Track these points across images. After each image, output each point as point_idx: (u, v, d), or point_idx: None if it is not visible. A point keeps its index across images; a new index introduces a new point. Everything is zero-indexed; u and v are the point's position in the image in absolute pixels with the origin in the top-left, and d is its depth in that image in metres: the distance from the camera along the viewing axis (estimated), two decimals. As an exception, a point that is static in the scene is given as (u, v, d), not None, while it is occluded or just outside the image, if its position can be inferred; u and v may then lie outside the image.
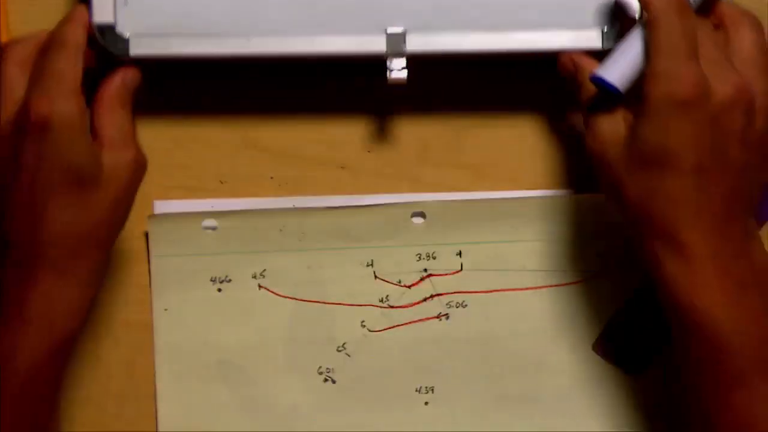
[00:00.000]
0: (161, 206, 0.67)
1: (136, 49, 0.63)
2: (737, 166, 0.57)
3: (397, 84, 0.63)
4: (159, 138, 0.67)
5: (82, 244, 0.59)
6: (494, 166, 0.68)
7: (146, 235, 0.67)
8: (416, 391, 0.67)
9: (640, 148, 0.57)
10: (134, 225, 0.65)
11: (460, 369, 0.67)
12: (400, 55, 0.63)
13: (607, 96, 0.59)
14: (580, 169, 0.68)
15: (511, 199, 0.67)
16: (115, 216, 0.60)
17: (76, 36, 0.60)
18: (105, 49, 0.62)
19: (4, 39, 0.66)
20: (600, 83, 0.59)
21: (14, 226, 0.58)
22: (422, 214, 0.67)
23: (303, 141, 0.68)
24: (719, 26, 0.60)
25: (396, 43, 0.63)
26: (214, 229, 0.67)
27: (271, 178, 0.68)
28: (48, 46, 0.59)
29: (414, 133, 0.68)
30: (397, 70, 0.63)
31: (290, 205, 0.67)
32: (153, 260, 0.67)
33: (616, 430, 0.67)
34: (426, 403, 0.68)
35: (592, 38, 0.63)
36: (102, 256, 0.60)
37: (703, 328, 0.57)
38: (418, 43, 0.63)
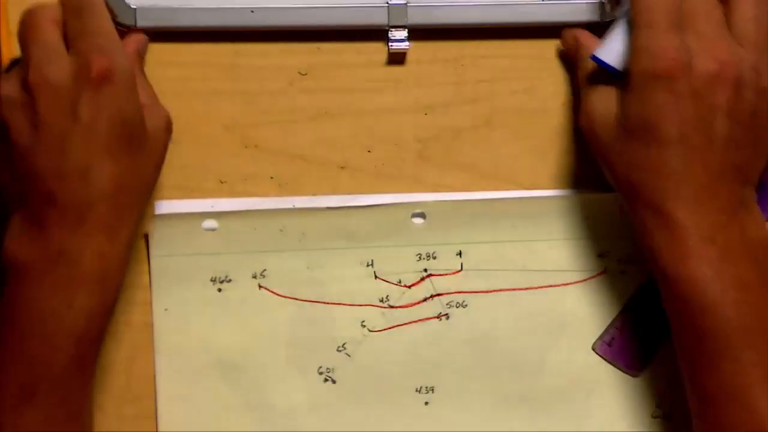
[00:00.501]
0: (162, 206, 0.67)
1: (144, 21, 0.64)
2: (723, 139, 0.58)
3: (398, 55, 0.66)
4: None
5: (129, 204, 0.60)
6: (494, 166, 0.68)
7: (146, 235, 0.67)
8: (416, 391, 0.67)
9: (626, 122, 0.59)
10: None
11: (460, 369, 0.67)
12: (401, 27, 0.65)
13: (607, 74, 0.60)
14: (581, 169, 0.68)
15: (512, 199, 0.67)
16: (155, 176, 0.62)
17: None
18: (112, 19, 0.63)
19: (4, 39, 0.67)
20: (599, 63, 0.60)
21: (66, 185, 0.58)
22: (422, 215, 0.67)
23: (303, 141, 0.68)
24: None
25: (398, 14, 0.65)
26: (214, 229, 0.67)
27: (271, 178, 0.68)
28: (78, 8, 0.60)
29: (414, 133, 0.68)
30: (398, 40, 0.65)
31: (290, 205, 0.67)
32: (153, 260, 0.67)
33: (617, 430, 0.67)
34: (426, 403, 0.67)
35: (590, 11, 0.65)
36: (141, 217, 0.61)
37: (689, 298, 0.58)
38: (419, 15, 0.65)
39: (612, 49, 0.61)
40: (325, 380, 0.67)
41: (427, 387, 0.67)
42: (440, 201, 0.67)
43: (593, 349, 0.67)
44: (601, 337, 0.67)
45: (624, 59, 0.60)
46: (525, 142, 0.68)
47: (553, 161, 0.68)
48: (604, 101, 0.61)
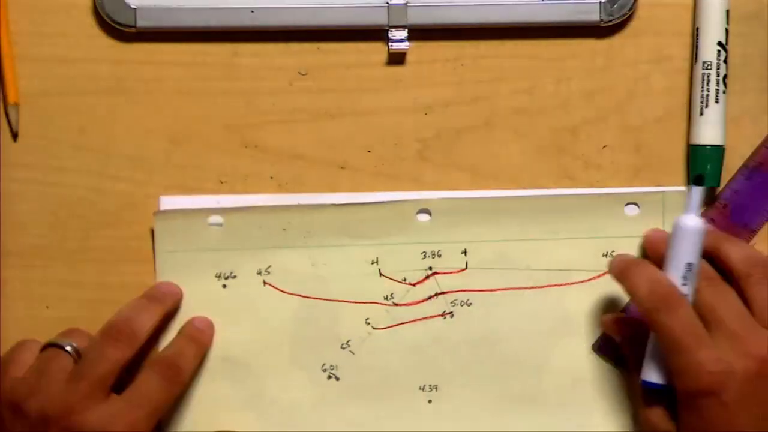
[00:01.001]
0: (167, 202, 0.67)
1: (144, 21, 0.64)
2: None
3: (398, 55, 0.66)
4: (157, 138, 0.68)
5: None
6: (494, 166, 0.68)
7: (152, 231, 0.67)
8: (420, 389, 0.67)
9: None
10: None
11: (463, 368, 0.67)
12: (401, 27, 0.65)
13: (658, 391, 0.61)
14: (585, 169, 0.68)
15: (517, 198, 0.67)
16: None
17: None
18: (111, 20, 0.63)
19: (4, 39, 0.67)
20: (648, 385, 0.61)
21: None
22: (428, 212, 0.67)
23: (303, 141, 0.68)
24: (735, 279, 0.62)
25: (398, 14, 0.65)
26: (219, 225, 0.67)
27: (271, 178, 0.68)
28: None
29: (414, 133, 0.68)
30: (398, 40, 0.65)
31: (295, 202, 0.67)
32: (158, 256, 0.67)
33: (618, 430, 0.67)
34: (429, 402, 0.67)
35: (590, 11, 0.66)
36: None
37: None
38: (419, 15, 0.66)
39: (655, 367, 0.61)
40: (329, 377, 0.67)
41: (430, 385, 0.67)
42: (446, 199, 0.67)
43: (593, 349, 0.67)
44: (601, 338, 0.67)
45: (666, 373, 0.61)
46: (525, 142, 0.68)
47: (553, 161, 0.68)
48: (661, 419, 0.62)
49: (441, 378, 0.67)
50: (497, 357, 0.67)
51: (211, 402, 0.67)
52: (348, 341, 0.67)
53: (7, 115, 0.67)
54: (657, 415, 0.62)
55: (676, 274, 0.61)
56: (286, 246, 0.67)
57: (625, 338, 0.65)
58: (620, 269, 0.63)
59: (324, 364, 0.67)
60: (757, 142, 0.67)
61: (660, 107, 0.68)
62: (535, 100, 0.68)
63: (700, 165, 0.66)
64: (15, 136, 0.67)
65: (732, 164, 0.67)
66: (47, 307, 0.68)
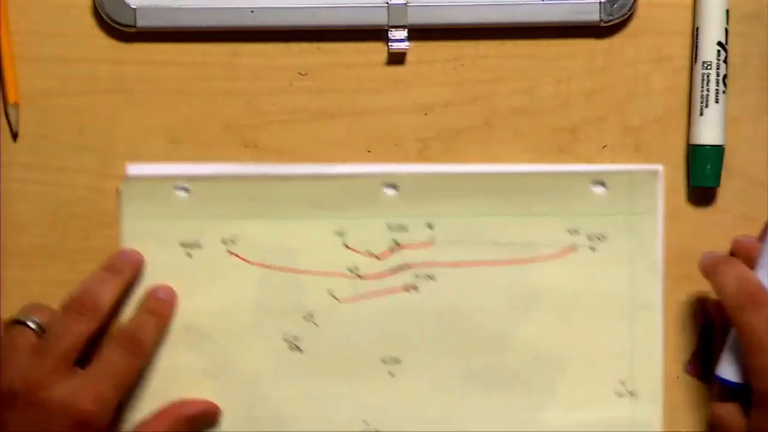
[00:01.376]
0: (134, 169, 0.67)
1: (143, 21, 0.64)
2: None
3: (398, 55, 0.66)
4: (157, 138, 0.68)
5: None
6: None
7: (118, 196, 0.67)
8: (382, 362, 0.67)
9: None
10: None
11: (427, 341, 0.67)
12: (401, 27, 0.65)
13: (730, 388, 0.61)
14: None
15: (484, 174, 0.67)
16: None
17: None
18: (111, 20, 0.63)
19: (5, 39, 0.67)
20: (721, 381, 0.61)
21: None
22: (394, 186, 0.67)
23: (303, 141, 0.68)
24: None
25: (398, 14, 0.66)
26: (186, 191, 0.67)
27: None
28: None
29: (414, 133, 0.68)
30: (398, 40, 0.65)
31: (263, 172, 0.67)
32: (124, 222, 0.67)
33: (581, 406, 0.67)
34: (391, 375, 0.67)
35: (590, 11, 0.66)
36: None
37: None
38: (419, 15, 0.66)
39: (732, 364, 0.61)
40: (292, 348, 0.67)
41: (393, 358, 0.67)
42: (412, 173, 0.67)
43: (685, 371, 0.68)
44: (690, 361, 0.68)
45: (743, 372, 0.61)
46: (525, 142, 0.68)
47: (553, 161, 0.68)
48: (732, 416, 0.61)
49: (404, 352, 0.67)
50: (461, 331, 0.67)
51: (172, 370, 0.67)
52: (311, 313, 0.67)
53: (7, 115, 0.67)
54: (728, 412, 0.62)
55: (766, 276, 0.61)
56: (252, 216, 0.67)
57: (716, 320, 0.65)
58: (710, 265, 0.63)
59: (286, 335, 0.67)
60: (757, 142, 0.67)
61: (660, 107, 0.68)
62: (535, 100, 0.68)
63: (700, 165, 0.66)
64: (15, 136, 0.67)
65: (732, 164, 0.67)
66: (47, 307, 0.68)
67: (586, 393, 0.67)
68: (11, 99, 0.67)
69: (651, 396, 0.67)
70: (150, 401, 0.67)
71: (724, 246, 0.67)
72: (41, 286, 0.68)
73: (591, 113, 0.68)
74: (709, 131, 0.66)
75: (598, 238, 0.67)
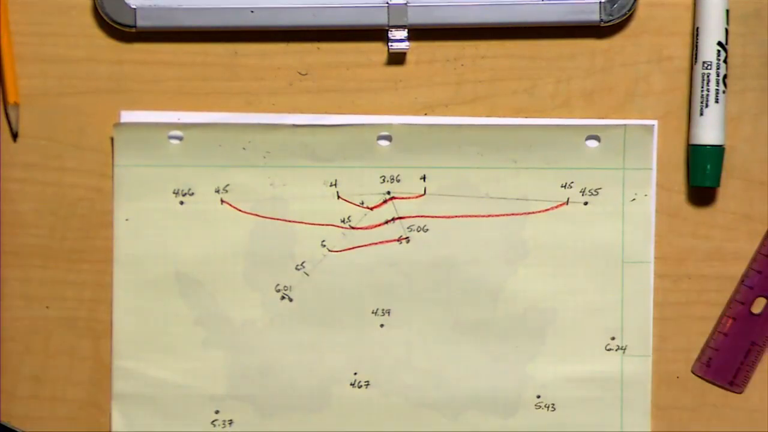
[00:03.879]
0: (128, 116, 0.67)
1: (143, 21, 0.64)
2: None
3: (398, 55, 0.66)
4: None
5: None
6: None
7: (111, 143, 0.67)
8: (372, 313, 0.67)
9: None
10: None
11: (417, 293, 0.67)
12: (401, 27, 0.65)
13: None
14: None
15: (478, 126, 0.67)
16: None
17: None
18: (111, 20, 0.63)
19: (5, 39, 0.67)
20: None
21: None
22: (388, 137, 0.67)
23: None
24: None
25: (398, 14, 0.65)
26: (180, 139, 0.67)
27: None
28: None
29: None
30: (398, 40, 0.65)
31: (257, 121, 0.67)
32: (116, 169, 0.67)
33: (570, 359, 0.67)
34: (381, 326, 0.67)
35: (590, 11, 0.66)
36: None
37: None
38: (419, 15, 0.66)
39: None
40: (282, 298, 0.67)
41: (383, 309, 0.67)
42: (407, 125, 0.67)
43: (692, 371, 0.67)
44: (698, 359, 0.67)
45: None
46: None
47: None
48: None
49: (394, 303, 0.67)
50: (452, 284, 0.67)
51: (161, 317, 0.67)
52: (303, 263, 0.67)
53: (7, 115, 0.67)
54: None
55: None
56: (245, 165, 0.67)
57: None
58: None
59: (278, 285, 0.67)
60: (757, 142, 0.68)
61: (660, 107, 0.68)
62: (535, 100, 0.68)
63: (700, 165, 0.66)
64: (15, 136, 0.67)
65: (732, 164, 0.67)
66: (47, 307, 0.68)
67: (576, 346, 0.67)
68: (11, 99, 0.67)
69: (641, 351, 0.67)
70: (140, 348, 0.67)
71: (723, 246, 0.67)
72: (41, 286, 0.68)
73: (591, 113, 0.68)
74: (709, 131, 0.66)
75: (592, 193, 0.67)
